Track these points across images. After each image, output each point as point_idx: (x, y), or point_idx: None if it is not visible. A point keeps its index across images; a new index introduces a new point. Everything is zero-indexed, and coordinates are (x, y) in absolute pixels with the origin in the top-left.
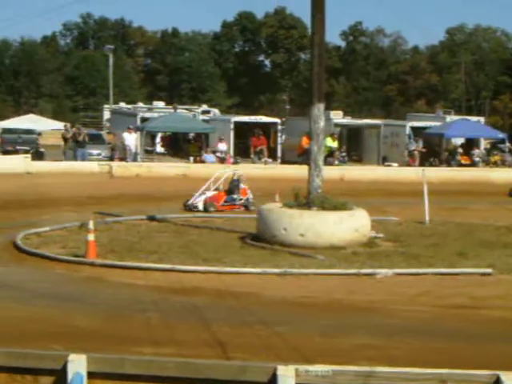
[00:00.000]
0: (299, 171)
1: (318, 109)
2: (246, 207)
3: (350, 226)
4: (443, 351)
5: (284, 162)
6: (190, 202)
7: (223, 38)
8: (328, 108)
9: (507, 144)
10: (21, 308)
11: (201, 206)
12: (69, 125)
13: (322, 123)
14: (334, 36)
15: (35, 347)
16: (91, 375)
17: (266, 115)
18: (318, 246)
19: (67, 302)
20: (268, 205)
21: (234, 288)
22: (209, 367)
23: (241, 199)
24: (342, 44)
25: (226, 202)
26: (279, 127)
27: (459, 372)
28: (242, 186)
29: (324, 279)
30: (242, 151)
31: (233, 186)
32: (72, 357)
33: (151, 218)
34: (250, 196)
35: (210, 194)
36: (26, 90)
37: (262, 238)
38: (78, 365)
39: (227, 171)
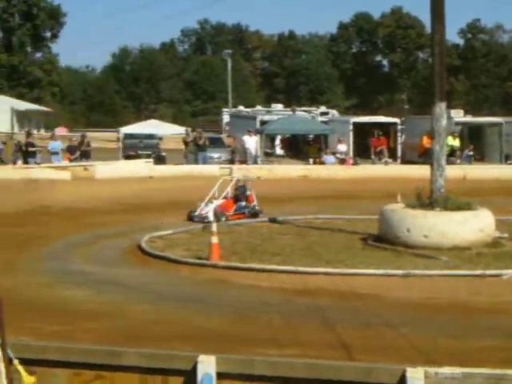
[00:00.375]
0: (420, 171)
1: (440, 108)
2: (255, 215)
3: (474, 226)
4: None
5: (404, 161)
6: (196, 213)
7: (340, 40)
8: (448, 107)
9: None
10: (147, 310)
11: (211, 216)
12: (189, 129)
13: (444, 122)
14: (452, 34)
15: (162, 348)
16: (220, 376)
17: (385, 115)
18: (442, 246)
19: (192, 304)
20: (390, 205)
21: (357, 289)
22: (336, 368)
23: (247, 207)
24: (461, 42)
25: (236, 210)
26: (399, 127)
27: None
28: (248, 192)
29: (448, 280)
30: (362, 152)
31: (239, 193)
32: (202, 358)
33: (272, 220)
34: (255, 203)
35: (218, 202)
36: (147, 95)
37: (384, 239)
38: (207, 366)
39: (234, 177)
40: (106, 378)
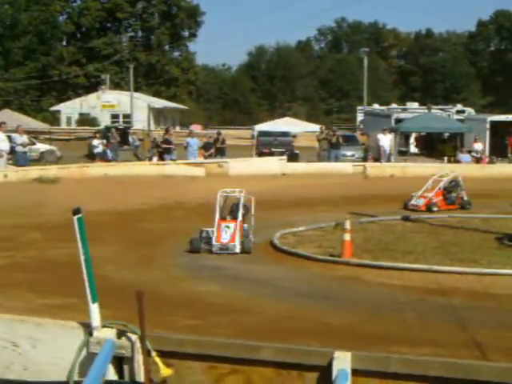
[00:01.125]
0: None
1: None
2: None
3: None
4: None
5: None
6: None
7: (478, 38)
8: None
9: None
10: (278, 305)
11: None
12: (323, 127)
13: None
14: None
15: (295, 344)
16: (355, 372)
17: None
18: None
19: (323, 301)
20: None
21: (492, 290)
22: (475, 368)
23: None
24: None
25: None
26: None
27: None
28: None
29: None
30: (499, 151)
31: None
32: (337, 354)
33: (406, 219)
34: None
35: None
36: (281, 93)
37: None
38: (343, 362)
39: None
40: (242, 371)
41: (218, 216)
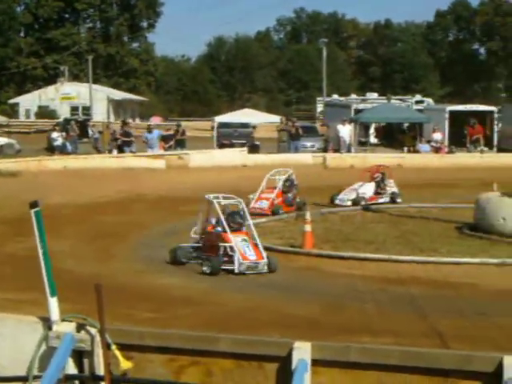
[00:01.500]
0: None
1: None
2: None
3: None
4: None
5: (501, 150)
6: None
7: (437, 28)
8: None
9: None
10: (239, 297)
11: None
12: (284, 118)
13: None
14: None
15: (256, 334)
16: (315, 362)
17: (480, 104)
18: None
19: (284, 291)
20: (486, 194)
21: (451, 278)
22: (433, 356)
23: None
24: None
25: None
26: (496, 115)
27: None
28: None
29: None
30: (458, 140)
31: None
32: (297, 344)
33: (366, 209)
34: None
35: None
36: (241, 85)
37: (479, 228)
38: (302, 352)
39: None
40: (202, 363)
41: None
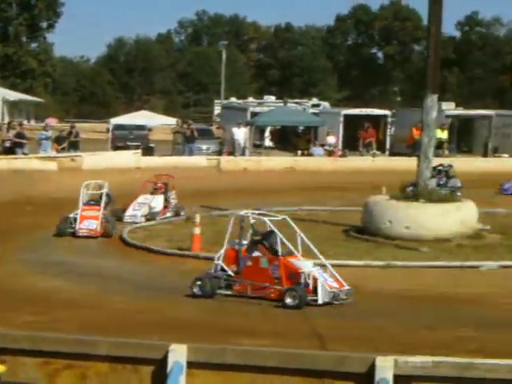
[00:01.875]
0: (408, 163)
1: (432, 100)
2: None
3: (456, 218)
4: None
5: (393, 154)
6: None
7: (337, 32)
8: (440, 99)
9: None
10: (123, 300)
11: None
12: (180, 120)
13: (434, 114)
14: (449, 27)
15: (138, 337)
16: (190, 365)
17: (377, 108)
18: (423, 238)
19: (170, 294)
20: (374, 197)
21: None
22: (308, 358)
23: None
24: (458, 34)
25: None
26: (389, 119)
27: None
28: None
29: (427, 272)
30: (352, 144)
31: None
32: (173, 347)
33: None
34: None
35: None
36: (140, 87)
37: (366, 231)
38: (178, 354)
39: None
40: (77, 367)
41: None
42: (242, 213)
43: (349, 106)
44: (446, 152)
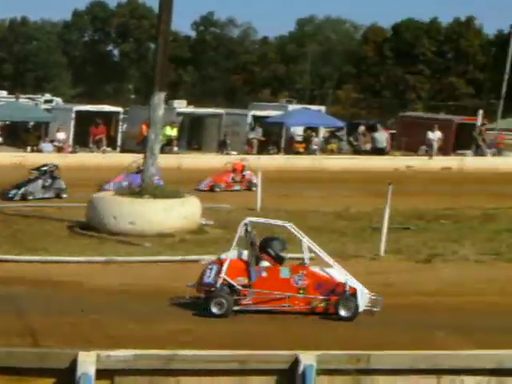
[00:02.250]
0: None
1: (159, 97)
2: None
3: (179, 213)
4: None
5: (124, 150)
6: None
7: (73, 27)
8: (174, 97)
9: (344, 132)
10: None
11: None
12: None
13: (161, 112)
14: (186, 26)
15: None
16: None
17: (111, 105)
18: (148, 233)
19: None
20: (100, 193)
21: (56, 277)
22: (7, 355)
23: None
24: (193, 34)
25: None
26: (121, 116)
27: (258, 353)
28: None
29: (149, 267)
30: (84, 140)
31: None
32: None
33: None
34: None
35: None
36: None
37: (91, 227)
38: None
39: None
40: None
41: None
42: (246, 221)
43: (83, 103)
44: (176, 149)
